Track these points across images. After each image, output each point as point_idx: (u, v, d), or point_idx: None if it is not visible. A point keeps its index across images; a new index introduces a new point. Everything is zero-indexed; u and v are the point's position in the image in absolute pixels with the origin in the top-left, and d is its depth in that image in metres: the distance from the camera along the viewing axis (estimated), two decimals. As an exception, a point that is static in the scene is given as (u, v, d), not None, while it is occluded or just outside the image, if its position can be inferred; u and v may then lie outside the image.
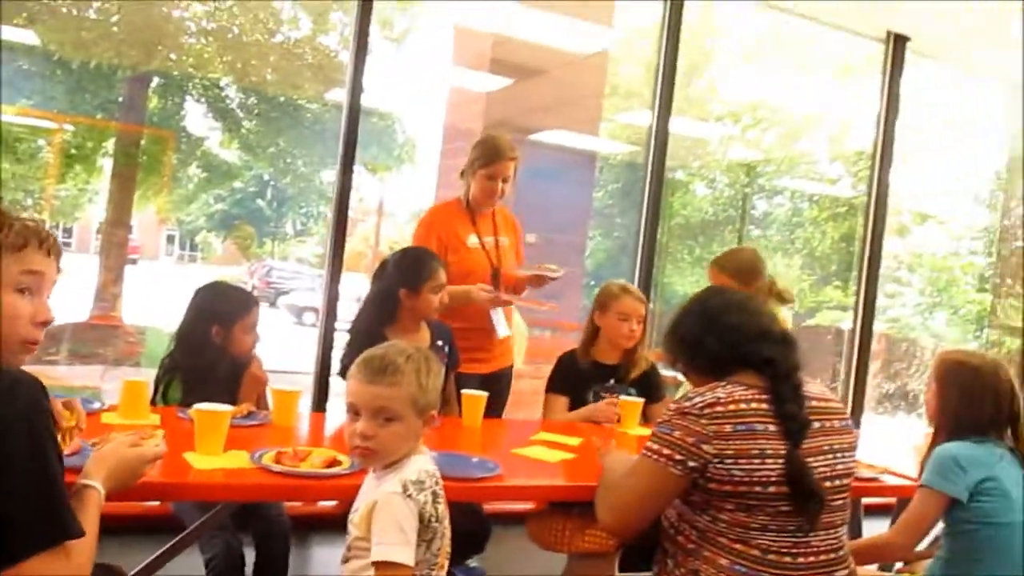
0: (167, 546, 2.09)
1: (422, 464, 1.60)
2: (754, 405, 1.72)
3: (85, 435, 1.65)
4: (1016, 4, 4.35)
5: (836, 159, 9.76)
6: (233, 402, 2.44)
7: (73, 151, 10.95)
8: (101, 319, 9.65)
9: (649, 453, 1.75)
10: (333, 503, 3.27)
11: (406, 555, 1.48)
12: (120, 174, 10.37)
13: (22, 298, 1.32)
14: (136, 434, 1.58)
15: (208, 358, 2.49)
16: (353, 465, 1.89)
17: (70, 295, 10.88)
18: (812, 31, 5.48)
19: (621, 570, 1.97)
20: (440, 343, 2.89)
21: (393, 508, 1.50)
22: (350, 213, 3.84)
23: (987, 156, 8.84)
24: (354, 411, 1.56)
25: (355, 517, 1.57)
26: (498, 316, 3.20)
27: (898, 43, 5.08)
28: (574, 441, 2.51)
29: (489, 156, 3.17)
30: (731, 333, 1.84)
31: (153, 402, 2.49)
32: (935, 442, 2.20)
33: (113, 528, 2.97)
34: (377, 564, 1.48)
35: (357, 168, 3.96)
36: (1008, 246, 8.51)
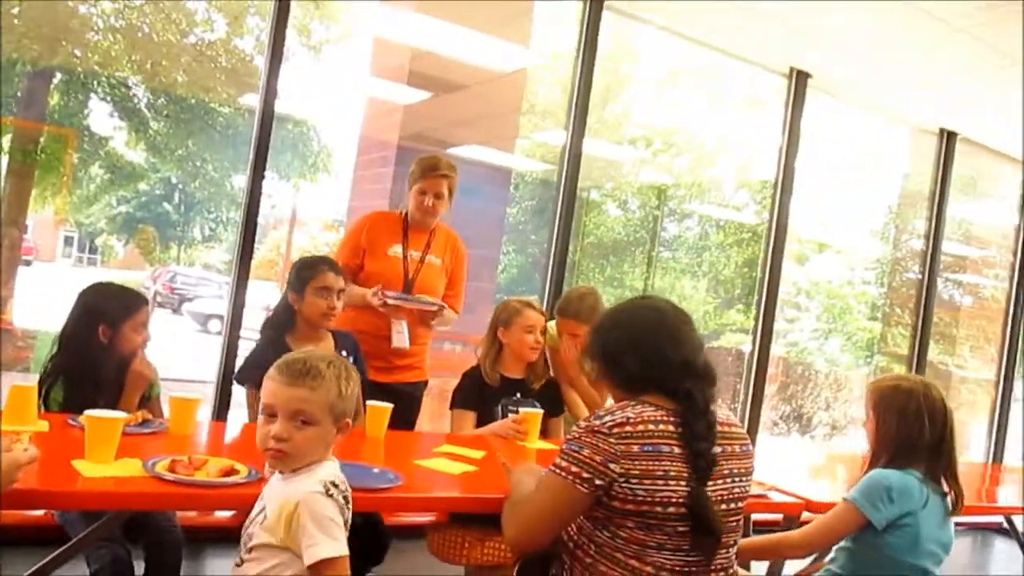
0: (50, 557, 2.00)
1: (333, 470, 1.61)
2: (662, 427, 1.75)
3: None
4: (915, 50, 4.63)
5: (742, 187, 10.12)
6: (117, 401, 2.38)
7: (-37, 146, 10.43)
8: (-7, 322, 9.18)
9: (557, 470, 1.76)
10: (229, 513, 3.20)
11: (341, 547, 1.51)
12: (16, 172, 9.90)
13: None
14: (4, 439, 1.53)
15: (92, 359, 2.42)
16: (251, 475, 1.86)
17: (-45, 296, 10.32)
18: (722, 62, 5.69)
19: (518, 581, 2.00)
20: (344, 352, 2.87)
21: (318, 506, 1.52)
22: (261, 220, 3.78)
23: (882, 190, 9.30)
24: (269, 412, 1.56)
25: (265, 521, 1.55)
26: (399, 327, 3.22)
27: (800, 79, 5.33)
28: (477, 454, 2.53)
29: (422, 171, 3.27)
30: (654, 357, 1.83)
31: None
32: (871, 466, 2.28)
33: None
34: (315, 565, 1.48)
35: (270, 175, 3.92)
36: (899, 277, 8.97)
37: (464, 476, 2.25)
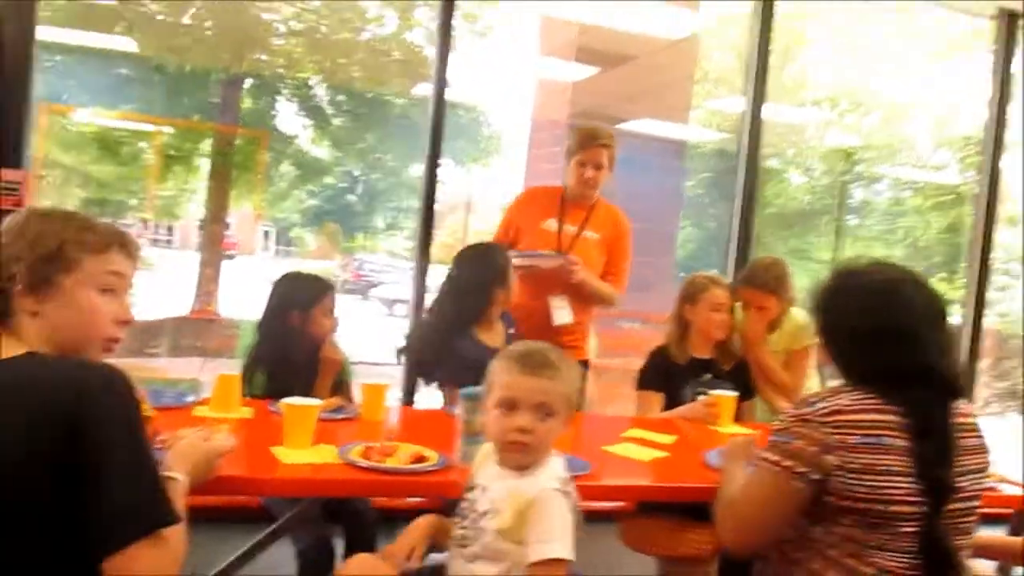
0: (257, 539, 2.10)
1: (561, 465, 1.60)
2: (884, 417, 1.55)
3: (165, 427, 1.67)
4: None
5: (941, 145, 9.27)
6: (312, 387, 2.46)
7: (172, 152, 11.36)
8: (199, 313, 9.99)
9: (767, 463, 1.61)
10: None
11: (569, 551, 1.47)
12: (217, 173, 10.70)
13: (105, 298, 1.35)
14: (205, 429, 1.60)
15: (288, 345, 2.51)
16: (440, 461, 1.85)
17: (171, 291, 11.34)
18: (917, 8, 5.19)
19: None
20: (511, 331, 2.88)
21: (554, 505, 1.49)
22: (438, 206, 3.82)
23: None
24: (509, 405, 1.54)
25: (497, 519, 1.52)
26: (559, 302, 3.13)
27: (1011, 21, 4.76)
28: (668, 439, 2.42)
29: (580, 142, 3.15)
30: (886, 356, 1.59)
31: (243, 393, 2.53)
32: None
33: (205, 520, 3.06)
34: (540, 563, 1.46)
35: (445, 162, 3.96)
36: None
37: (655, 463, 2.15)
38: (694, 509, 2.15)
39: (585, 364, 3.28)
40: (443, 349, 2.74)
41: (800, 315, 3.15)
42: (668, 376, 2.88)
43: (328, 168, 13.93)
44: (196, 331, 9.94)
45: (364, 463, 1.79)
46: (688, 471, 2.17)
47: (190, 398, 2.26)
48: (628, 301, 5.90)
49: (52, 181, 14.82)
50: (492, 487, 1.57)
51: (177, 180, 12.81)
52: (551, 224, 3.22)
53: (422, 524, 1.65)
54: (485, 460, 1.64)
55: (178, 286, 10.99)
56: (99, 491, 1.17)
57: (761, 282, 3.05)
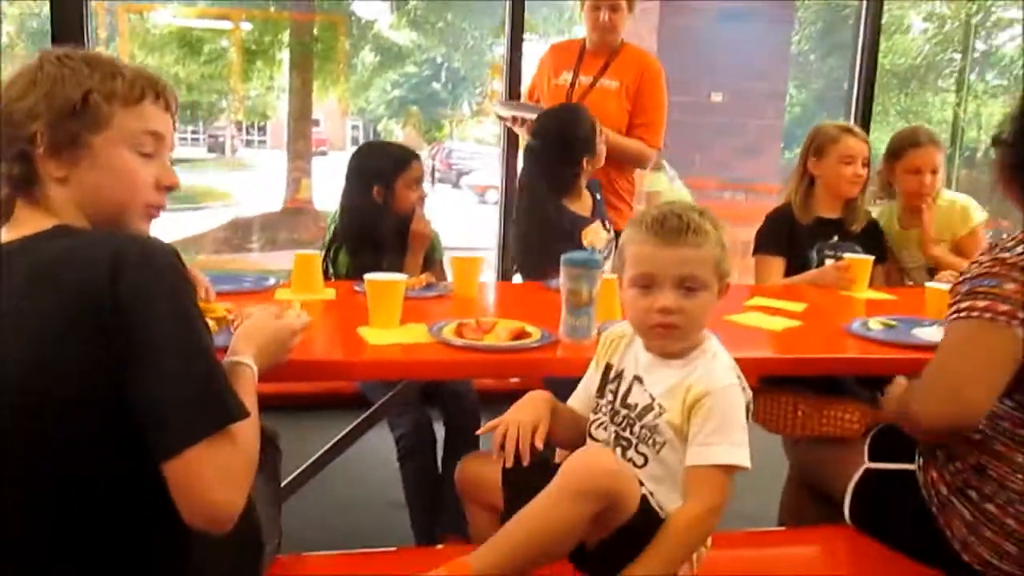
0: (352, 425, 1.96)
1: (721, 346, 1.35)
2: None
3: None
4: None
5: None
6: (401, 265, 2.27)
7: (252, 47, 11.23)
8: (293, 202, 10.06)
9: (977, 312, 1.31)
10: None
11: (747, 458, 1.25)
12: (298, 65, 10.54)
13: (143, 161, 1.14)
14: (275, 306, 1.40)
15: (370, 221, 2.31)
16: (544, 337, 1.63)
17: (266, 189, 11.43)
18: None
19: (872, 459, 1.62)
20: (598, 196, 2.60)
21: (734, 403, 1.27)
22: (523, 88, 3.50)
23: None
24: (645, 283, 1.30)
25: (665, 414, 1.28)
26: None
27: None
28: (797, 306, 2.14)
29: None
30: None
31: (326, 276, 2.36)
32: None
33: (298, 408, 3.00)
34: (713, 468, 1.24)
35: (528, 37, 3.64)
36: None
37: (788, 333, 1.88)
38: (831, 385, 1.89)
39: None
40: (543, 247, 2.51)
41: (953, 195, 2.78)
42: (791, 238, 2.57)
43: (409, 53, 13.58)
44: (291, 224, 10.03)
45: (459, 341, 1.58)
46: (827, 341, 1.89)
47: (271, 281, 2.10)
48: (733, 169, 5.48)
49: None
50: (649, 378, 1.34)
51: (261, 77, 12.74)
52: (565, 77, 2.92)
53: (540, 400, 1.38)
54: (623, 344, 1.40)
55: (272, 185, 11.08)
56: (146, 386, 0.99)
57: (929, 139, 2.66)
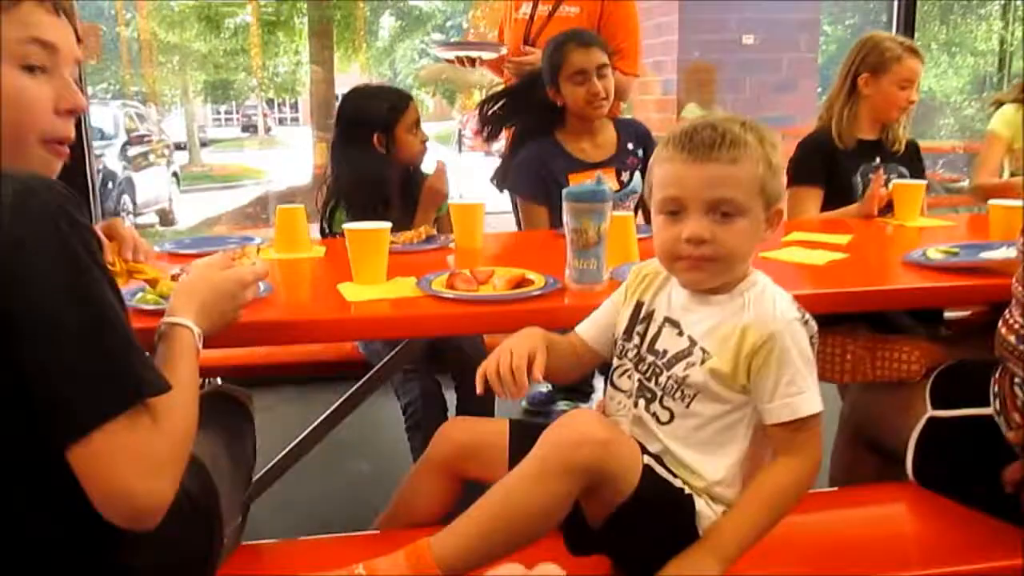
0: (351, 391, 1.78)
1: (768, 278, 1.16)
2: None
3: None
4: None
5: None
6: (410, 223, 2.07)
7: (272, 19, 11.06)
8: (317, 171, 9.89)
9: None
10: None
11: (819, 400, 1.09)
12: (318, 33, 10.34)
13: (33, 78, 0.93)
14: (226, 254, 1.20)
15: (374, 173, 2.10)
16: (549, 284, 1.43)
17: (296, 164, 11.31)
18: None
19: (936, 406, 1.39)
20: (631, 145, 2.34)
21: (800, 342, 1.09)
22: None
23: None
24: (673, 208, 1.10)
25: (708, 360, 1.10)
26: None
27: None
28: (842, 239, 1.90)
29: None
30: None
31: (323, 234, 2.18)
32: None
33: (296, 379, 2.83)
34: (788, 424, 1.08)
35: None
36: None
37: (833, 267, 1.65)
38: (884, 325, 1.67)
39: None
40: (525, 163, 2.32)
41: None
42: (830, 166, 2.31)
43: (429, 17, 13.29)
44: (315, 195, 9.91)
45: (450, 294, 1.39)
46: (880, 273, 1.66)
47: (257, 241, 1.91)
48: (767, 108, 5.16)
49: (171, 67, 14.99)
50: (688, 318, 1.14)
51: (285, 50, 12.59)
52: (525, 10, 2.66)
53: (535, 333, 1.20)
54: (657, 282, 1.21)
55: (304, 159, 10.95)
56: (37, 361, 0.81)
57: None
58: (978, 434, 1.28)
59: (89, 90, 14.59)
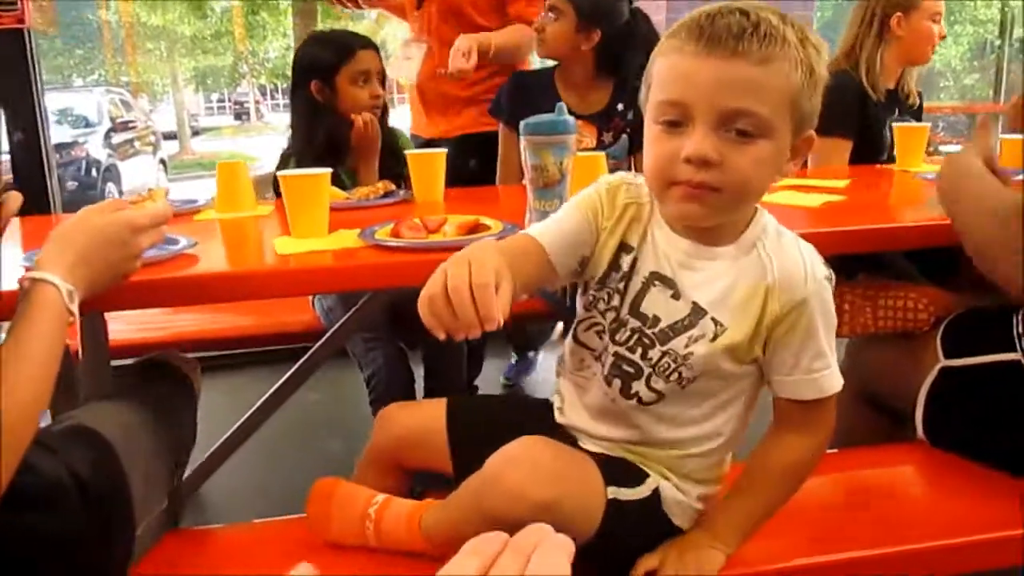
0: (301, 361, 1.62)
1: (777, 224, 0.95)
2: None
3: None
4: None
5: None
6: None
7: (255, -1, 10.86)
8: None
9: None
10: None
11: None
12: (301, 11, 10.13)
13: None
14: (119, 199, 1.03)
15: (313, 125, 1.91)
16: (506, 229, 1.26)
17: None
18: None
19: (948, 354, 1.23)
20: (620, 107, 2.16)
21: (829, 306, 0.91)
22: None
23: None
24: (672, 116, 0.84)
25: (723, 333, 0.90)
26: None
27: None
28: (838, 183, 1.73)
29: None
30: None
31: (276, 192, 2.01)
32: None
33: (264, 350, 2.67)
34: (814, 402, 0.92)
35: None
36: None
37: (830, 208, 1.49)
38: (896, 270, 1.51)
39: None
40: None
41: None
42: (863, 114, 2.14)
43: None
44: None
45: (394, 242, 1.22)
46: (881, 213, 1.50)
47: (200, 202, 1.75)
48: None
49: (158, 53, 14.75)
50: (688, 280, 0.91)
51: (270, 30, 12.38)
52: None
53: (492, 249, 0.82)
54: (643, 216, 0.95)
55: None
56: None
57: None
58: (998, 383, 1.13)
59: (78, 81, 14.37)
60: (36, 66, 2.56)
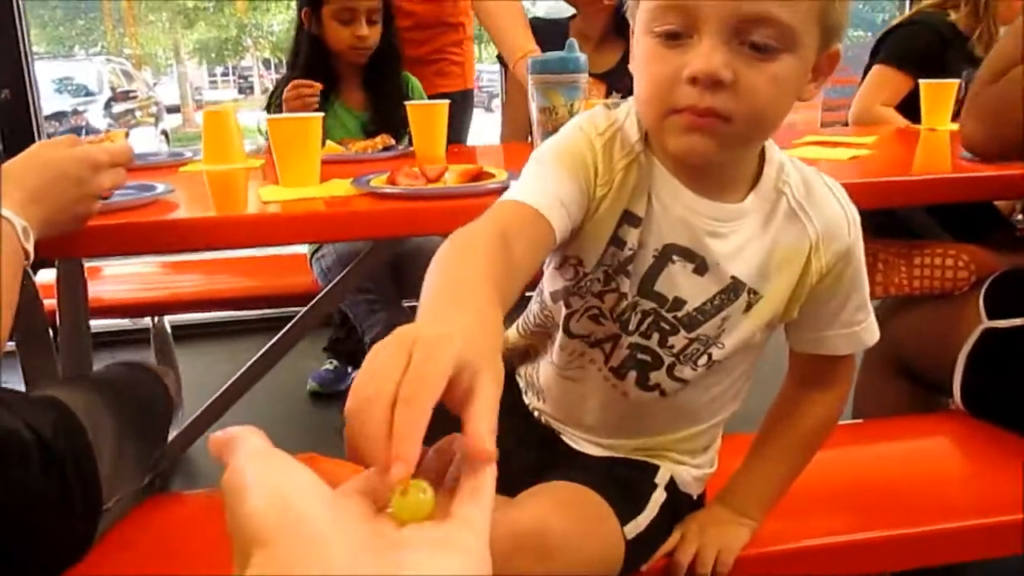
0: (293, 321, 1.52)
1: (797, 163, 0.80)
2: None
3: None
4: None
5: None
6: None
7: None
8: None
9: None
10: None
11: None
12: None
13: None
14: (75, 136, 0.91)
15: (296, 53, 1.83)
16: (511, 176, 1.16)
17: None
18: None
19: (991, 315, 1.14)
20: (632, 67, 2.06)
21: (862, 247, 0.80)
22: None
23: None
24: (672, 26, 0.66)
25: (757, 303, 0.77)
26: None
27: None
28: (865, 139, 1.63)
29: None
30: None
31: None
32: None
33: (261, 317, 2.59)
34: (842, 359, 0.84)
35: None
36: None
37: (857, 161, 1.38)
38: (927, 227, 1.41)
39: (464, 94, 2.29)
40: None
41: None
42: (940, 58, 1.97)
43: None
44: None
45: (391, 189, 1.13)
46: (918, 167, 1.40)
47: (188, 155, 1.65)
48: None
49: (161, 24, 14.59)
50: (716, 248, 0.75)
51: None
52: None
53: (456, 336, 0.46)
54: (634, 169, 0.75)
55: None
56: None
57: None
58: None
59: (80, 53, 14.22)
60: (23, 21, 2.46)
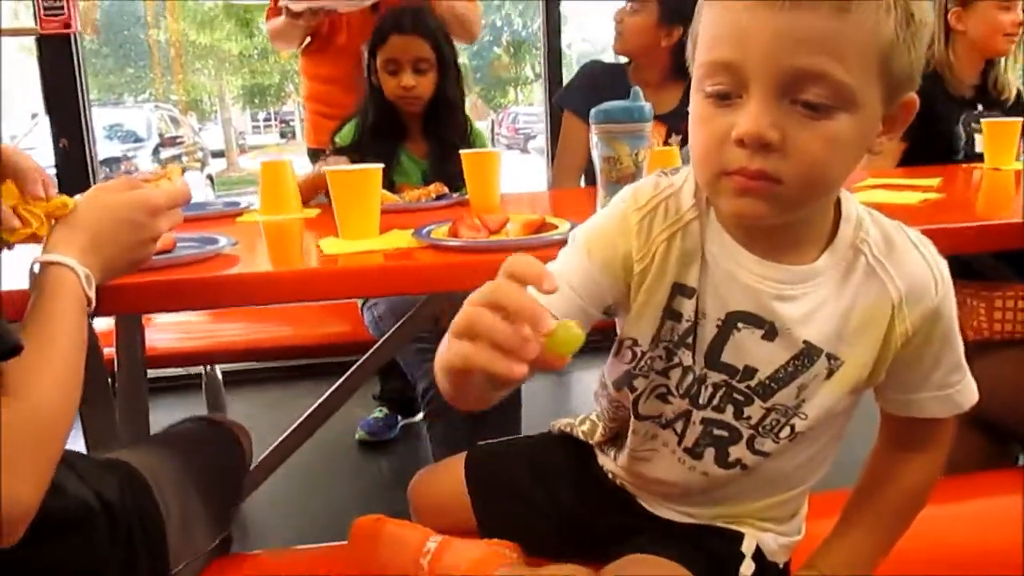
0: (347, 375, 1.51)
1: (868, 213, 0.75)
2: None
3: None
4: None
5: None
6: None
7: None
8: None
9: None
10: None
11: None
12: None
13: None
14: (133, 177, 0.92)
15: (365, 105, 1.84)
16: (574, 228, 1.14)
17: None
18: None
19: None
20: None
21: (954, 304, 0.75)
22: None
23: None
24: (722, 84, 0.64)
25: (839, 369, 0.73)
26: None
27: None
28: (930, 181, 1.59)
29: None
30: None
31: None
32: None
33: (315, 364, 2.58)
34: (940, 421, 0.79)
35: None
36: None
37: (928, 206, 1.34)
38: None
39: None
40: None
41: None
42: (929, 114, 1.97)
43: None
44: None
45: (453, 241, 1.11)
46: (991, 211, 1.36)
47: (243, 204, 1.66)
48: None
49: (208, 72, 15.00)
50: (787, 312, 0.71)
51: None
52: None
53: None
54: (687, 236, 0.73)
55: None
56: None
57: None
58: None
59: (129, 100, 14.65)
60: (82, 72, 2.52)
